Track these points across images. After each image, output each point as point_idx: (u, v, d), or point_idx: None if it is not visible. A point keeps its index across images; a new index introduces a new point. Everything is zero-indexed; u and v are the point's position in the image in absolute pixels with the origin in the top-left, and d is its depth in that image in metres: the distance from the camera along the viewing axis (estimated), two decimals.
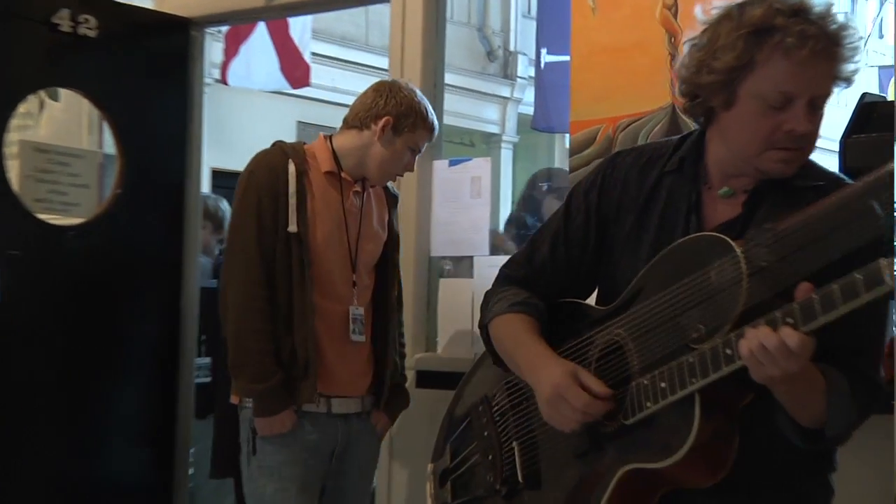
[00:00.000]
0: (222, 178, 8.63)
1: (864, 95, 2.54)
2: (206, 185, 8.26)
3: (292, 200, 2.90)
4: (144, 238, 3.94)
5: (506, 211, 11.29)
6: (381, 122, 2.98)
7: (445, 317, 3.50)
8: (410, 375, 3.41)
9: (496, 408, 2.01)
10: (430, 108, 3.05)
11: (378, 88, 3.04)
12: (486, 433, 2.01)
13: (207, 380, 4.27)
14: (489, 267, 3.46)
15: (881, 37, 12.54)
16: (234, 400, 2.94)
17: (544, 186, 4.45)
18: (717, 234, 1.68)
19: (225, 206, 4.76)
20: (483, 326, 1.99)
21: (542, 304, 1.94)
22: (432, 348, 3.57)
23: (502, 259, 3.62)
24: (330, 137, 3.07)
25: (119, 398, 3.84)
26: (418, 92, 3.07)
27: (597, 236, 1.91)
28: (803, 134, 1.69)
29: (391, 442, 3.58)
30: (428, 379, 3.39)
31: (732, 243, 1.63)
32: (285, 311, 2.87)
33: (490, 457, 1.98)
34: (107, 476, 3.81)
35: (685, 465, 1.64)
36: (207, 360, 4.31)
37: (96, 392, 3.77)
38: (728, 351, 1.58)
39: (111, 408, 3.82)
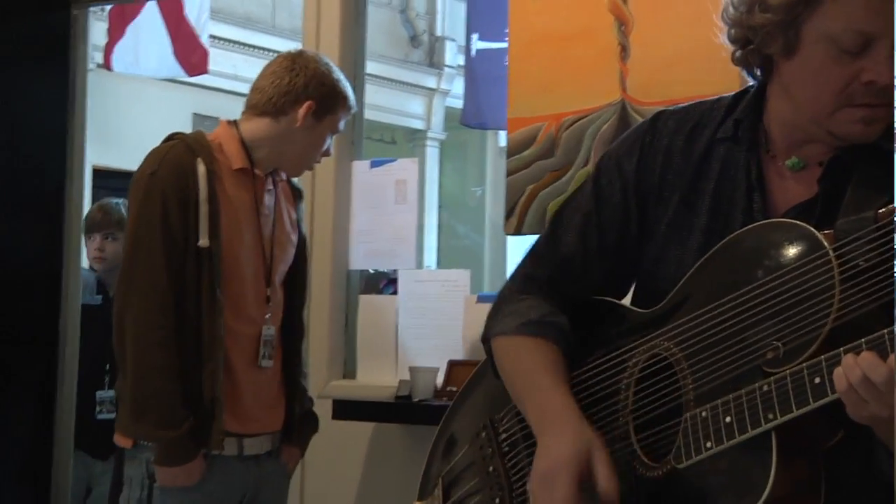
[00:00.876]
0: (105, 178, 8.52)
1: None
2: (87, 185, 8.16)
3: (204, 208, 2.76)
4: (17, 247, 3.87)
5: (431, 218, 11.34)
6: (302, 108, 2.88)
7: (366, 339, 3.49)
8: (326, 405, 3.40)
9: (504, 436, 1.79)
10: (345, 81, 2.98)
11: (290, 67, 2.92)
12: (490, 468, 1.79)
13: (112, 416, 4.19)
14: (416, 282, 3.47)
15: None
16: (122, 443, 2.82)
17: None
18: (796, 223, 1.48)
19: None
20: (485, 341, 1.79)
21: (565, 321, 1.73)
22: (350, 375, 3.56)
23: (429, 273, 3.67)
24: (235, 124, 2.94)
25: None
26: (330, 62, 3.00)
27: (638, 220, 1.70)
28: (887, 85, 1.48)
29: (301, 482, 3.56)
30: (345, 409, 3.38)
31: (819, 236, 1.43)
32: (192, 341, 2.75)
33: (497, 499, 1.76)
34: None
35: None
36: (111, 393, 4.24)
37: None
38: (817, 380, 1.39)
39: None
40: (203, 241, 2.75)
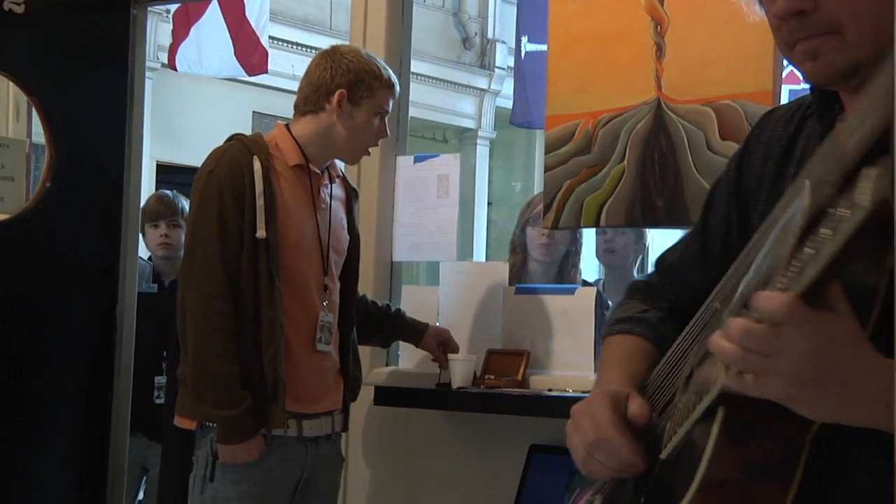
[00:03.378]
0: (168, 173, 8.59)
1: None
2: (150, 180, 8.24)
3: (259, 202, 2.84)
4: (77, 238, 3.90)
5: (481, 214, 11.32)
6: (335, 98, 2.94)
7: None
8: (368, 391, 3.40)
9: None
10: (381, 63, 3.02)
11: (319, 63, 2.99)
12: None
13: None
14: (457, 273, 3.46)
15: None
16: (184, 424, 2.87)
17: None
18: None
19: (185, 203, 4.72)
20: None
21: (654, 315, 1.59)
22: (393, 362, 3.56)
23: (469, 265, 3.66)
24: (288, 126, 3.02)
25: (47, 415, 3.80)
26: (362, 50, 3.05)
27: (738, 224, 1.51)
28: (801, 11, 1.29)
29: (345, 466, 3.57)
30: (387, 395, 3.38)
31: (806, 182, 1.11)
32: (252, 328, 2.82)
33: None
34: (31, 500, 3.77)
35: None
36: (167, 379, 4.29)
37: (19, 408, 3.73)
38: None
39: (37, 425, 3.78)
40: (260, 233, 2.83)
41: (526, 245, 3.97)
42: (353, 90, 2.95)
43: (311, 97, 2.97)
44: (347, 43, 3.43)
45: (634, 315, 1.62)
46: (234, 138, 2.97)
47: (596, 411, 1.41)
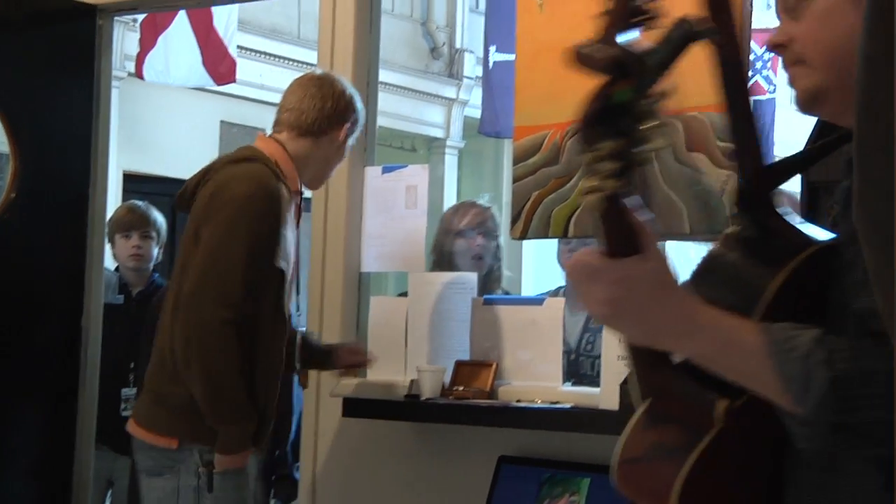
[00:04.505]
0: (136, 182, 8.53)
1: None
2: (117, 190, 8.18)
3: (284, 231, 2.86)
4: (42, 248, 3.86)
5: None
6: (342, 130, 3.05)
7: (376, 339, 3.47)
8: (337, 402, 3.39)
9: None
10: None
11: (324, 92, 3.06)
12: None
13: None
14: (425, 284, 3.45)
15: None
16: (164, 442, 2.90)
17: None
18: None
19: (156, 214, 4.65)
20: None
21: None
22: (361, 373, 3.54)
23: (437, 276, 3.64)
24: (279, 142, 3.02)
25: (11, 427, 3.76)
26: (347, 83, 3.16)
27: None
28: (776, 44, 1.45)
29: (313, 478, 3.55)
30: (356, 407, 3.37)
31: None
32: (250, 350, 2.87)
33: None
34: None
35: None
36: (134, 391, 4.25)
37: None
38: None
39: (1, 438, 3.73)
40: (281, 264, 2.87)
41: (452, 253, 3.93)
42: (352, 125, 3.09)
43: (322, 123, 3.03)
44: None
45: None
46: (254, 158, 2.95)
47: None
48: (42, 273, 3.87)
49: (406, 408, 3.28)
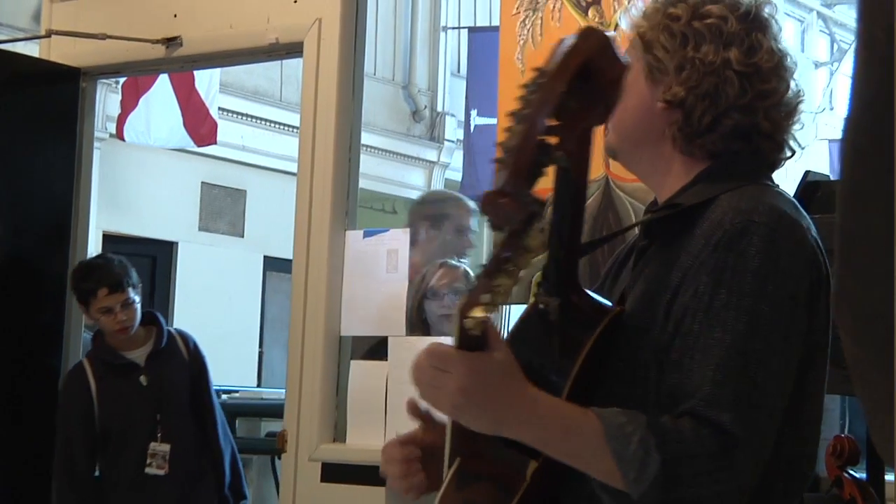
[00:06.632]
0: (115, 243, 8.52)
1: (807, 173, 2.59)
2: (96, 250, 8.16)
3: None
4: (22, 308, 3.85)
5: None
6: None
7: (356, 403, 3.46)
8: (315, 467, 3.37)
9: None
10: None
11: None
12: None
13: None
14: (405, 349, 3.45)
15: (832, 109, 12.92)
16: None
17: None
18: None
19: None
20: None
21: None
22: (341, 437, 3.53)
23: (417, 340, 3.64)
24: None
25: None
26: None
27: None
28: None
29: None
30: (334, 472, 3.35)
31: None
32: None
33: None
34: None
35: None
36: None
37: None
38: None
39: None
40: None
41: (426, 320, 3.89)
42: None
43: None
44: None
45: None
46: None
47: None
48: (22, 335, 3.85)
49: None
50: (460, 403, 1.42)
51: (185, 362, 3.85)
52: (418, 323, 3.88)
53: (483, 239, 4.05)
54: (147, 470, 3.68)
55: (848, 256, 1.01)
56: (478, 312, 1.38)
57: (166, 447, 3.69)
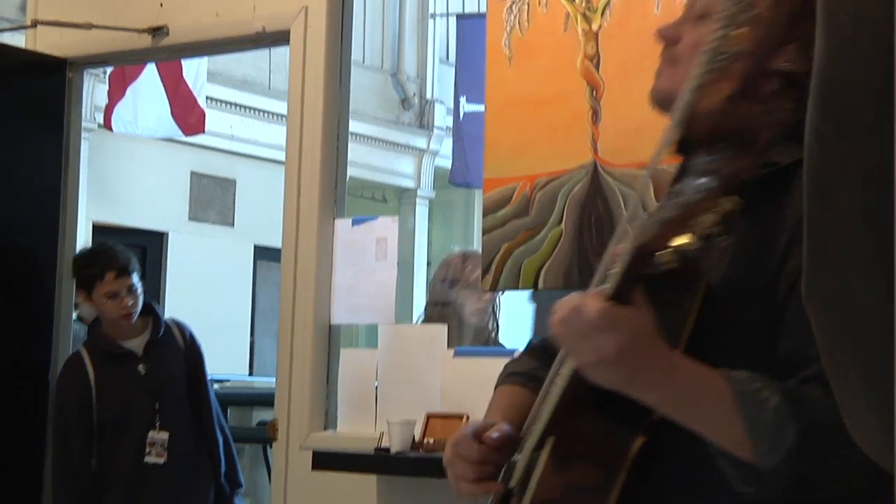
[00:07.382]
0: (105, 234, 8.51)
1: None
2: (86, 240, 8.15)
3: None
4: (10, 299, 3.84)
5: (421, 274, 11.32)
6: None
7: (346, 392, 3.47)
8: (306, 456, 3.37)
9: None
10: None
11: None
12: None
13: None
14: (395, 336, 3.45)
15: None
16: None
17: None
18: None
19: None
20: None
21: (540, 367, 1.74)
22: (331, 425, 3.53)
23: (407, 328, 3.65)
24: None
25: None
26: None
27: None
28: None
29: None
30: (325, 460, 3.36)
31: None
32: None
33: None
34: None
35: None
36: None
37: None
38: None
39: None
40: None
41: (459, 304, 3.92)
42: None
43: None
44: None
45: (527, 371, 1.75)
46: None
47: (457, 433, 1.63)
48: (8, 326, 3.85)
49: (376, 461, 3.27)
50: (610, 360, 1.32)
51: (182, 351, 3.87)
52: (445, 304, 3.88)
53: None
54: (146, 459, 3.68)
55: (818, 247, 0.98)
56: (682, 240, 1.29)
57: (165, 435, 3.70)
